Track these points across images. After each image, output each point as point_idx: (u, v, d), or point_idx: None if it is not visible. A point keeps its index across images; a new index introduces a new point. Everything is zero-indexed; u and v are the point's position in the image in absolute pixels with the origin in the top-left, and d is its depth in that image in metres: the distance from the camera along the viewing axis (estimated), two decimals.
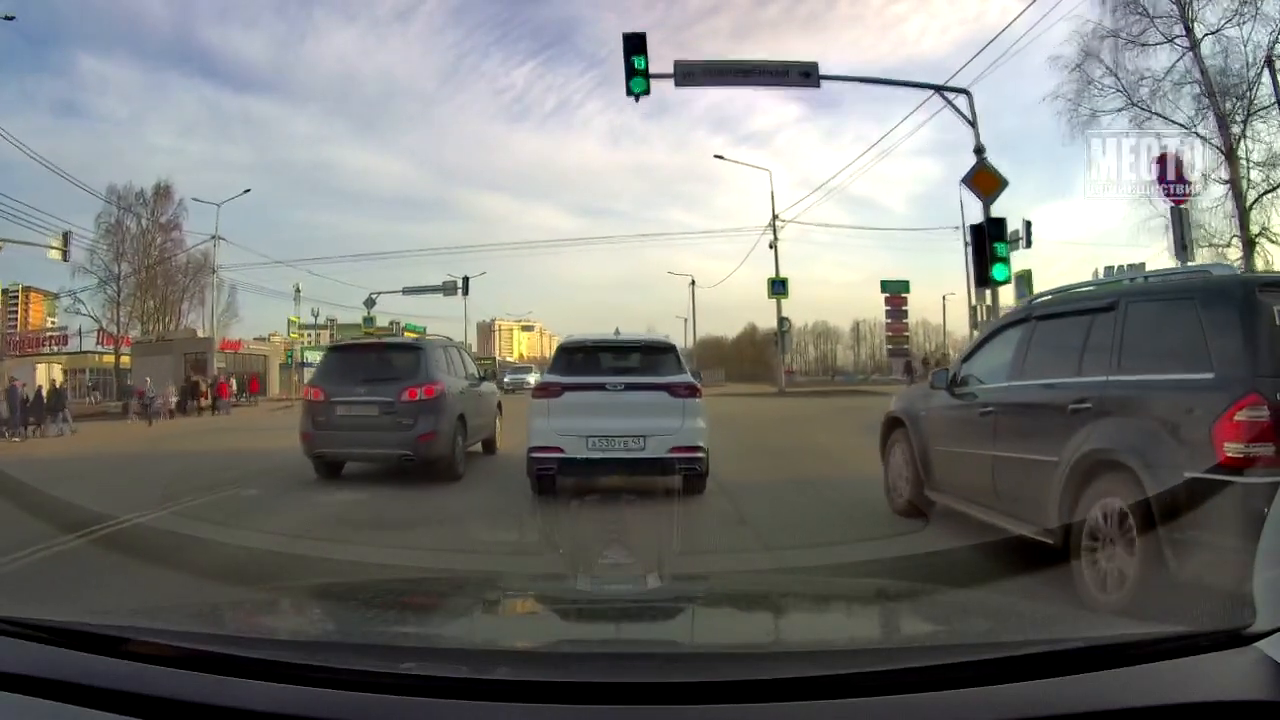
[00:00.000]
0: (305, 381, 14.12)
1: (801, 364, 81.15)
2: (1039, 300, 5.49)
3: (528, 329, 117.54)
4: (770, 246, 31.44)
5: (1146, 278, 4.88)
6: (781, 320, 35.49)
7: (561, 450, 6.97)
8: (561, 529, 5.10)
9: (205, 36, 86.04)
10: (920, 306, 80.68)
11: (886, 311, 28.84)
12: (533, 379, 23.48)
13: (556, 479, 7.08)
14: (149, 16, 73.25)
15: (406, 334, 56.49)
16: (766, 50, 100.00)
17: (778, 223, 29.97)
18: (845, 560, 4.44)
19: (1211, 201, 19.64)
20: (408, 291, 44.95)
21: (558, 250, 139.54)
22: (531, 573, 3.97)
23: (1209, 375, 3.58)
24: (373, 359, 9.60)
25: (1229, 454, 3.34)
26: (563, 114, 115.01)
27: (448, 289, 45.38)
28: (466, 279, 43.60)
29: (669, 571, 2.65)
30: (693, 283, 29.16)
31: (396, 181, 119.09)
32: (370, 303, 43.54)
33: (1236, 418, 3.36)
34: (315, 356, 35.04)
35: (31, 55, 66.65)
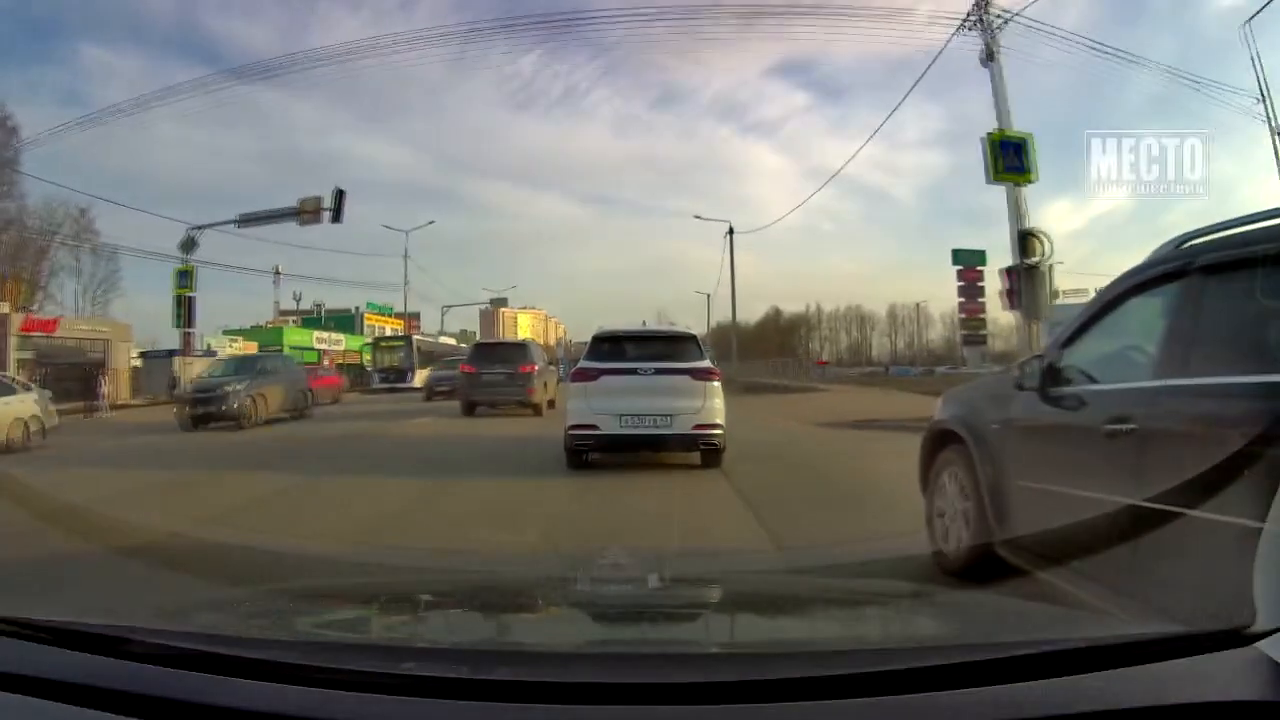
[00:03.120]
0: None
1: (833, 353, 77.51)
2: (1202, 241, 2.94)
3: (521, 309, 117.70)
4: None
5: None
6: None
7: (597, 428, 7.73)
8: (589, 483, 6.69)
9: (208, 24, 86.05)
10: (946, 295, 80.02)
11: (959, 289, 22.88)
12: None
13: (589, 454, 7.90)
14: (151, 3, 73.19)
15: (369, 318, 58.58)
16: (770, 39, 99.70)
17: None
18: (847, 559, 4.43)
19: None
20: (244, 220, 30.35)
21: (563, 237, 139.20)
22: (532, 573, 3.97)
23: None
24: (500, 349, 18.29)
25: None
26: (569, 101, 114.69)
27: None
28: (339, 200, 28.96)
29: (669, 572, 2.66)
30: (730, 231, 24.67)
31: (401, 170, 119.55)
32: (190, 243, 28.74)
33: None
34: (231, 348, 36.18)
35: (33, 43, 66.60)
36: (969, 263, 23.51)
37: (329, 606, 2.03)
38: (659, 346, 8.46)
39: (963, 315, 23.32)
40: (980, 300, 22.90)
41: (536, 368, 16.66)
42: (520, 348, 17.99)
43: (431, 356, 33.74)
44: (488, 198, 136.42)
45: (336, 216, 28.98)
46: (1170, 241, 3.11)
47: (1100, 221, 74.78)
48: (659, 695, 1.07)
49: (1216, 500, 2.29)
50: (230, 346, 38.63)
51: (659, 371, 7.92)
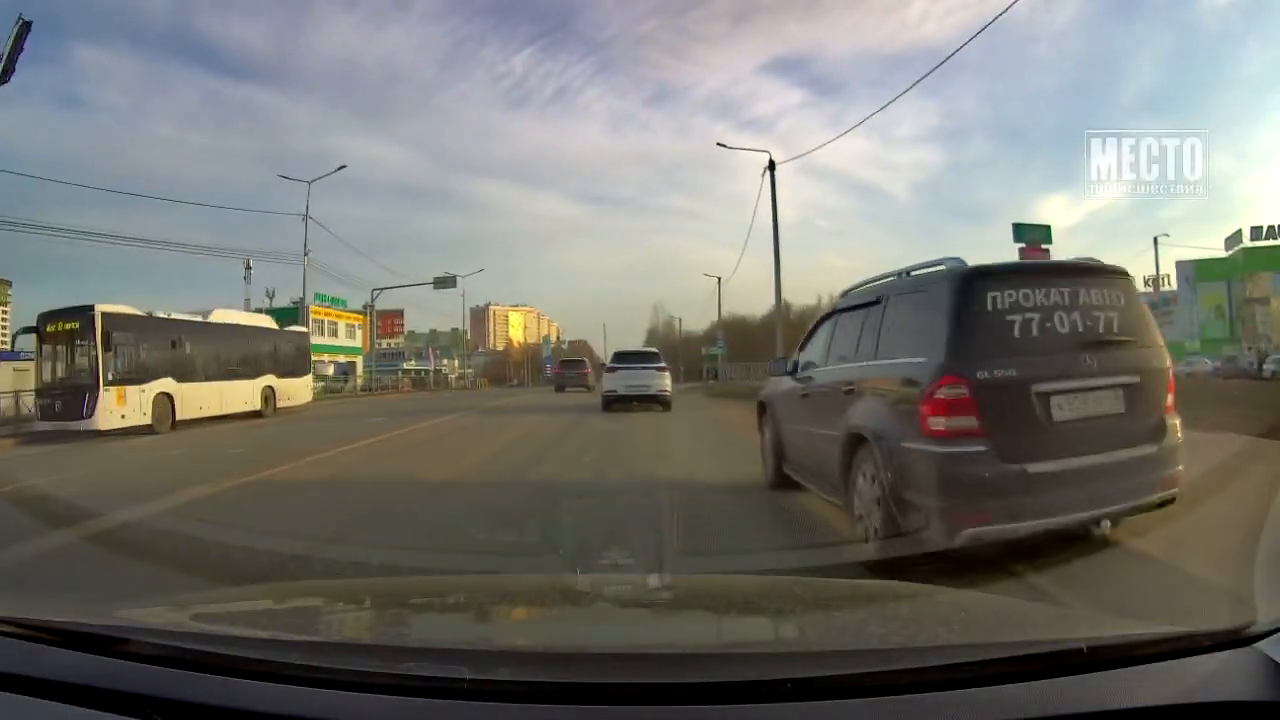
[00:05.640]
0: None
1: None
2: (848, 291, 5.88)
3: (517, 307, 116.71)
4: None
5: (909, 273, 4.81)
6: None
7: (615, 391, 18.71)
8: (599, 423, 14.80)
9: (205, 26, 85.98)
10: None
11: None
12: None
13: (612, 404, 18.58)
14: (148, 6, 73.24)
15: (315, 312, 47.52)
16: (765, 36, 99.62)
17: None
18: (850, 560, 4.44)
19: None
20: None
21: (558, 237, 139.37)
22: (532, 573, 3.97)
23: (924, 359, 4.09)
24: (572, 363, 36.69)
25: (932, 427, 3.87)
26: (563, 100, 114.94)
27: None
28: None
29: (669, 572, 2.65)
30: (771, 165, 23.00)
31: (397, 170, 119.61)
32: None
33: (936, 396, 3.88)
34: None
35: (31, 46, 66.55)
36: (1033, 239, 19.99)
37: (329, 606, 2.03)
38: (640, 357, 20.76)
39: None
40: None
41: (589, 371, 33.10)
42: (580, 361, 37.47)
43: (183, 359, 17.67)
44: (486, 194, 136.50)
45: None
46: (843, 291, 6.07)
47: (1098, 216, 75.08)
48: (659, 695, 1.07)
49: (828, 425, 4.93)
50: None
51: (641, 368, 19.42)
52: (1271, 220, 47.92)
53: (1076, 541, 4.07)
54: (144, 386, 16.11)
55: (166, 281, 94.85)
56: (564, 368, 35.42)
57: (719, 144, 53.69)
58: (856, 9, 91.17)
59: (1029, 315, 3.98)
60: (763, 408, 7.15)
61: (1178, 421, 4.26)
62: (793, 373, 6.25)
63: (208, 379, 18.26)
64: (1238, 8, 69.23)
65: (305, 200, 33.95)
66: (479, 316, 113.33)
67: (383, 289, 48.64)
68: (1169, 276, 49.78)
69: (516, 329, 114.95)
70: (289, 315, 48.79)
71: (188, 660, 1.15)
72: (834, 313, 5.88)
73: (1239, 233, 49.02)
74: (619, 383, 18.66)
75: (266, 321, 22.53)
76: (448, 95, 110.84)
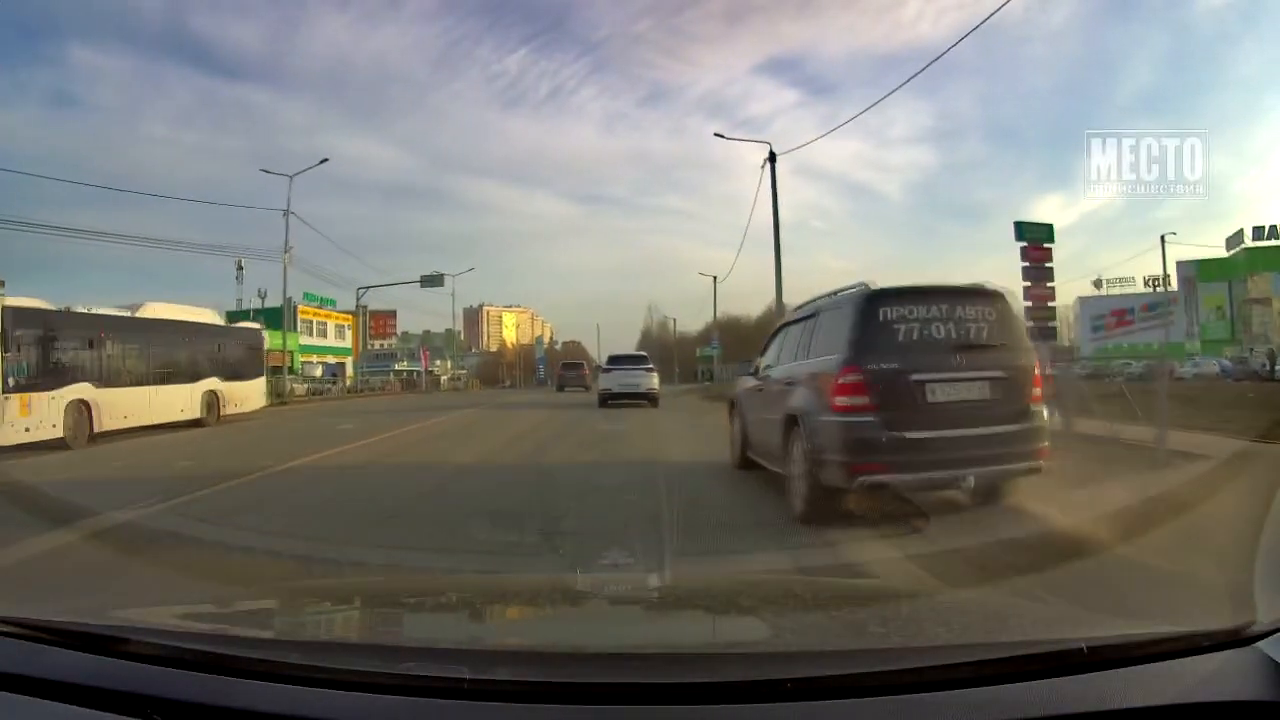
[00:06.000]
0: None
1: None
2: (799, 306, 7.64)
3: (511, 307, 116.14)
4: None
5: (836, 294, 6.26)
6: None
7: (610, 390, 21.46)
8: (599, 418, 16.83)
9: (198, 25, 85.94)
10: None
11: (1025, 270, 18.09)
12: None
13: (606, 401, 21.15)
14: (142, 5, 73.22)
15: (303, 311, 46.76)
16: (759, 36, 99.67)
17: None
18: (853, 560, 4.45)
19: None
20: None
21: (552, 237, 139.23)
22: (532, 573, 3.97)
23: (836, 356, 5.48)
24: (573, 365, 40.88)
25: (837, 404, 5.29)
26: (557, 100, 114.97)
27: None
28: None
29: (669, 572, 2.65)
30: (771, 156, 22.23)
31: (390, 170, 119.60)
32: None
33: (840, 382, 5.29)
34: None
35: (24, 46, 66.43)
36: (1036, 237, 19.32)
37: (329, 606, 2.03)
38: (632, 360, 23.49)
39: (1028, 302, 18.76)
40: (1049, 285, 18.97)
41: (588, 372, 36.36)
42: (579, 364, 41.11)
43: (104, 361, 15.25)
44: (479, 194, 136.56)
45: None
46: (795, 308, 8.03)
47: (1092, 217, 75.05)
48: (659, 695, 1.07)
49: (774, 411, 6.29)
50: None
51: (632, 369, 22.27)
52: (1268, 220, 47.70)
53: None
54: (54, 393, 13.51)
55: (161, 282, 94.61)
56: (565, 370, 40.21)
57: (716, 134, 54.70)
58: (851, 9, 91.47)
59: (912, 324, 5.35)
60: (732, 404, 8.74)
61: (1044, 409, 5.62)
62: (755, 374, 7.72)
63: (135, 384, 15.60)
64: (1233, 8, 69.29)
65: (287, 195, 32.89)
66: (473, 317, 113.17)
67: (369, 287, 47.71)
68: (1169, 277, 49.61)
69: (510, 330, 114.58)
70: (277, 315, 45.75)
71: (188, 660, 1.15)
72: (785, 324, 7.52)
73: (1240, 233, 48.44)
74: (613, 382, 21.70)
75: (210, 316, 19.56)
76: (442, 95, 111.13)
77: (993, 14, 16.29)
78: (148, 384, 15.99)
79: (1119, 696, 1.04)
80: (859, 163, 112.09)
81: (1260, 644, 1.12)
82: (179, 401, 16.72)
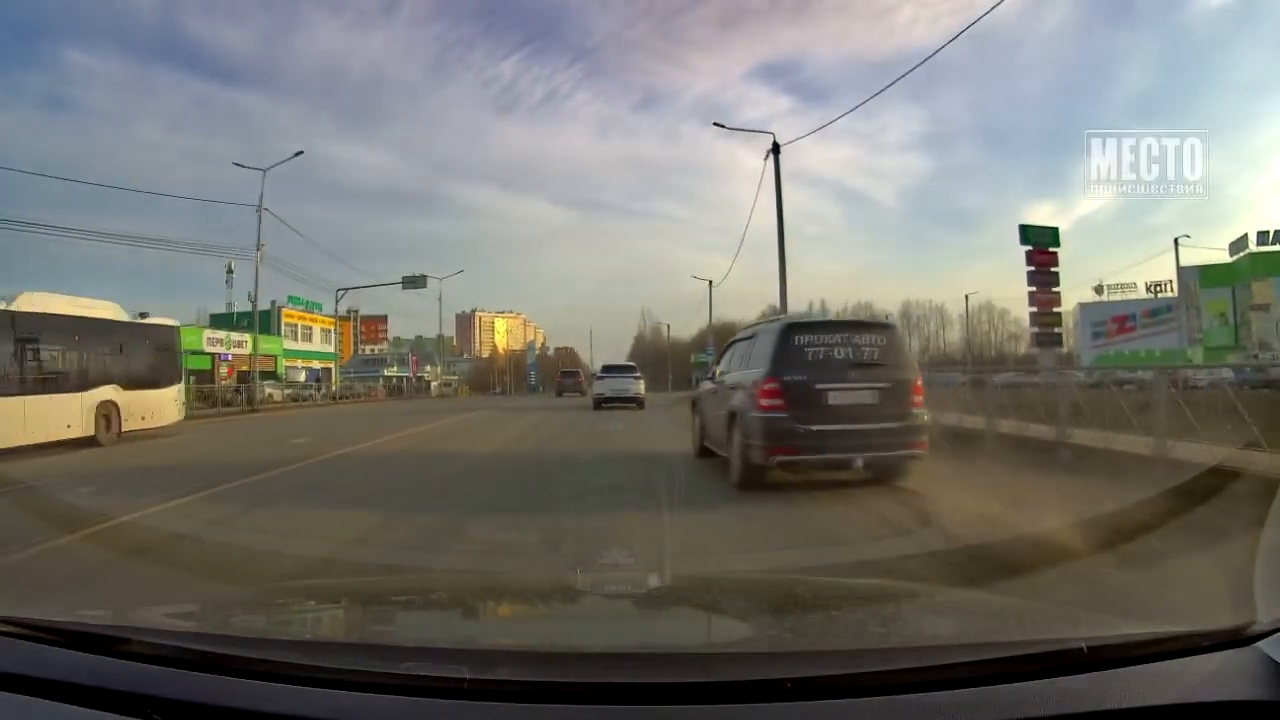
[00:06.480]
0: None
1: None
2: (744, 328, 10.18)
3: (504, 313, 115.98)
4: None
5: (769, 321, 8.76)
6: None
7: (603, 395, 25.07)
8: (592, 419, 19.28)
9: (191, 29, 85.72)
10: (922, 298, 78.11)
11: (1030, 274, 17.28)
12: None
13: (600, 404, 24.53)
14: (134, 9, 73.09)
15: (288, 315, 47.42)
16: (753, 41, 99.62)
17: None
18: (854, 559, 4.46)
19: None
20: None
21: (545, 242, 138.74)
22: (532, 573, 3.97)
23: (762, 369, 7.28)
24: (570, 373, 45.69)
25: (761, 404, 7.04)
26: (551, 105, 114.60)
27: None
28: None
29: (669, 572, 2.66)
30: (775, 148, 21.52)
31: (382, 175, 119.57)
32: None
33: (763, 388, 7.08)
34: None
35: (17, 49, 66.28)
36: (1041, 241, 18.60)
37: (329, 606, 2.03)
38: (622, 369, 28.18)
39: (1033, 308, 18.52)
40: (1055, 290, 18.28)
41: (584, 380, 40.17)
42: (576, 373, 45.66)
43: None
44: (473, 199, 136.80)
45: None
46: (742, 328, 10.98)
47: (1085, 223, 74.69)
48: (660, 695, 1.07)
49: (722, 409, 8.15)
50: None
51: (621, 377, 26.49)
52: (1265, 224, 46.79)
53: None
54: None
55: (153, 287, 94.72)
56: (564, 378, 44.97)
57: (716, 124, 55.11)
58: (844, 14, 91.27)
59: (818, 348, 7.17)
60: (694, 404, 10.87)
61: (924, 412, 7.36)
62: (713, 379, 9.57)
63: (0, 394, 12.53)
64: (1227, 13, 69.12)
65: (260, 190, 30.70)
66: (465, 323, 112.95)
67: (348, 289, 46.33)
68: (1171, 283, 48.79)
69: (503, 335, 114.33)
70: (263, 319, 43.59)
71: (188, 660, 1.15)
72: (735, 341, 9.47)
73: (1245, 237, 46.57)
74: (605, 387, 25.72)
75: (110, 311, 15.80)
76: (435, 100, 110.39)
77: (984, 15, 16.18)
78: (18, 394, 12.77)
79: (1119, 696, 1.04)
80: (853, 169, 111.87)
81: (1260, 644, 1.12)
82: (64, 415, 13.59)
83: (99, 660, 1.17)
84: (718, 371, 9.38)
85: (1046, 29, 76.35)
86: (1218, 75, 69.36)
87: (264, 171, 31.01)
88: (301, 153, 33.85)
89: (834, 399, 6.90)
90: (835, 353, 7.12)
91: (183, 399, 18.45)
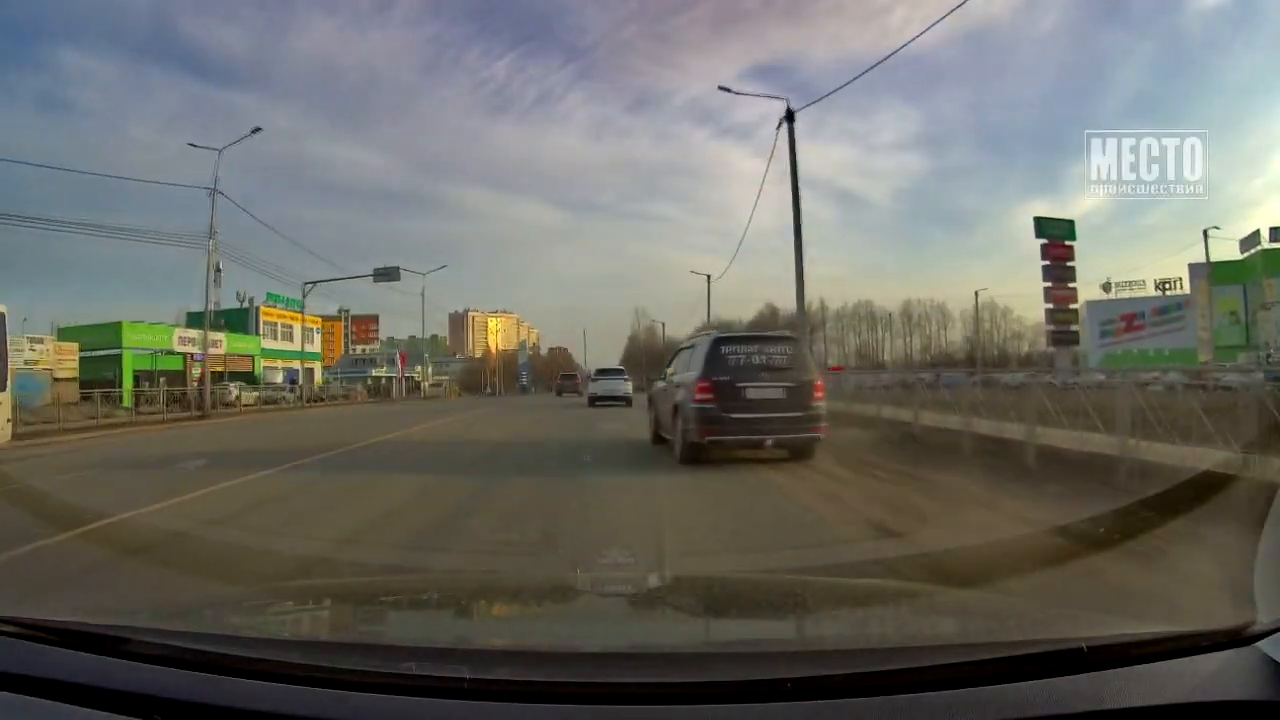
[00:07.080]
0: None
1: (841, 355, 71.65)
2: (686, 339, 13.03)
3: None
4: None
5: (705, 332, 11.36)
6: None
7: (597, 394, 29.17)
8: (586, 415, 22.33)
9: (185, 29, 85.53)
10: (923, 297, 77.76)
11: (1045, 269, 16.75)
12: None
13: (594, 402, 28.50)
14: (128, 9, 72.91)
15: (265, 313, 45.86)
16: (746, 42, 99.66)
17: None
18: (856, 559, 4.46)
19: None
20: None
21: (538, 243, 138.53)
22: (532, 572, 3.97)
23: (697, 372, 9.27)
24: (568, 376, 51.40)
25: (697, 398, 9.03)
26: (544, 106, 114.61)
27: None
28: None
29: (669, 572, 2.66)
30: (789, 114, 20.74)
31: (375, 175, 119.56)
32: None
33: (699, 385, 9.07)
34: None
35: (11, 49, 66.18)
36: (1057, 234, 18.00)
37: (329, 606, 2.03)
38: (613, 373, 32.28)
39: (1049, 304, 17.22)
40: (1071, 285, 16.79)
41: (580, 381, 42.73)
42: (574, 375, 50.94)
43: None
44: (466, 200, 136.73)
45: None
46: (686, 337, 16.16)
47: (1080, 224, 74.09)
48: (659, 695, 1.07)
49: (670, 402, 10.37)
50: (30, 350, 30.33)
51: (613, 379, 30.73)
52: (1265, 223, 45.50)
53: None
54: None
55: (147, 286, 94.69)
56: (564, 380, 49.52)
57: (721, 88, 54.37)
58: (837, 16, 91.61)
59: (740, 355, 9.28)
60: (650, 400, 12.91)
61: (823, 403, 9.40)
62: (664, 379, 11.59)
63: None
64: (1222, 14, 69.01)
65: (214, 171, 27.56)
66: (459, 323, 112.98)
67: (316, 282, 42.24)
68: (1181, 280, 47.73)
69: (496, 335, 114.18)
70: (237, 317, 43.72)
71: (188, 660, 1.15)
72: (681, 349, 11.63)
73: (1256, 234, 44.41)
74: (599, 388, 29.54)
75: None
76: (428, 101, 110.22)
77: (963, 2, 15.81)
78: None
79: (1119, 696, 1.04)
80: (847, 169, 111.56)
81: (1260, 644, 1.12)
82: None
83: (100, 660, 1.17)
84: (669, 373, 11.23)
85: (1042, 30, 76.44)
86: (1214, 77, 69.39)
87: (219, 151, 27.86)
88: (259, 129, 29.43)
89: (751, 394, 9.00)
90: (753, 359, 9.27)
91: (9, 414, 13.18)
